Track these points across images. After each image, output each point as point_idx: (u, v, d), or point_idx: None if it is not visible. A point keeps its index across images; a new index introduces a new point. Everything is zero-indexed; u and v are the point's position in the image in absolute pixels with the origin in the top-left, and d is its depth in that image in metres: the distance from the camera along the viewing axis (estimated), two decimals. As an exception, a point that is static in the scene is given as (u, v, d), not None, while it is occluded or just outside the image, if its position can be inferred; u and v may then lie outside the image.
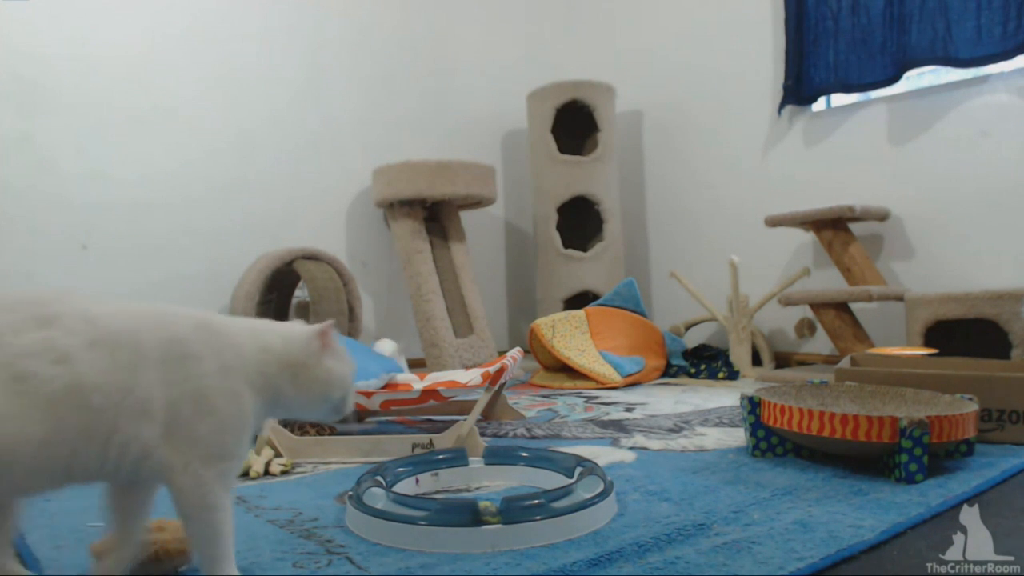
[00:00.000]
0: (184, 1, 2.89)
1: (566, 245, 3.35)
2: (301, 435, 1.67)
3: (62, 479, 0.74)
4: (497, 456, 1.37)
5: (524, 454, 1.36)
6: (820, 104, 3.05)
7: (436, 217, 3.22)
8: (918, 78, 2.78)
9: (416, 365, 3.07)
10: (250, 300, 2.68)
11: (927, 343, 2.31)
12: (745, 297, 2.91)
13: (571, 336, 2.82)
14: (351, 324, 2.86)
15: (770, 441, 1.50)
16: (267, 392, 0.84)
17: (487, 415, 2.02)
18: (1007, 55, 2.45)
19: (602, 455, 1.54)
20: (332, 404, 0.89)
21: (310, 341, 0.87)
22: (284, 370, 0.85)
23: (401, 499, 1.08)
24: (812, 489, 1.25)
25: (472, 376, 1.96)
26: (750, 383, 2.62)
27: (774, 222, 2.83)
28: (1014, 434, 1.53)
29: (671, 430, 1.81)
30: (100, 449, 0.74)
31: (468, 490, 1.33)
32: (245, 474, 1.49)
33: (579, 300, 3.31)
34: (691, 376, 2.86)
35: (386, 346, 2.52)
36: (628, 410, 2.13)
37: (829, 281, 2.90)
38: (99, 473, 0.76)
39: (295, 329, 0.89)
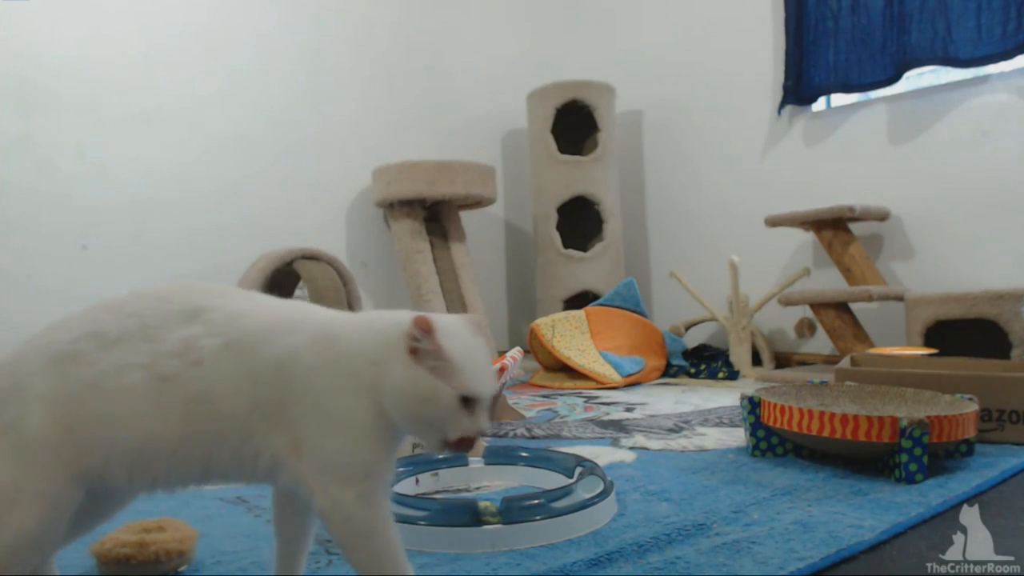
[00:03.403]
0: (184, 1, 2.89)
1: (566, 245, 3.35)
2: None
3: (200, 478, 0.74)
4: (497, 456, 1.37)
5: (524, 454, 1.36)
6: (820, 104, 3.05)
7: (436, 217, 3.22)
8: (918, 78, 2.78)
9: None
10: (250, 300, 2.68)
11: (927, 343, 2.31)
12: (745, 297, 2.91)
13: (571, 336, 2.82)
14: (351, 324, 2.85)
15: (770, 441, 1.50)
16: (378, 399, 0.72)
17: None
18: (1007, 55, 2.45)
19: (602, 455, 1.54)
20: (430, 427, 0.71)
21: (398, 337, 0.72)
22: (377, 370, 0.72)
23: (401, 499, 1.08)
24: (812, 489, 1.25)
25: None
26: (750, 383, 2.62)
27: (774, 222, 2.83)
28: (1014, 434, 1.53)
29: (671, 430, 1.81)
30: (233, 455, 0.72)
31: (468, 490, 1.33)
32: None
33: (579, 300, 3.31)
34: (691, 376, 2.86)
35: None
36: (628, 410, 2.13)
37: (829, 281, 2.89)
38: (238, 476, 0.74)
39: (396, 318, 0.74)
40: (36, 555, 0.70)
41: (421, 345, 0.70)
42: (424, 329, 0.70)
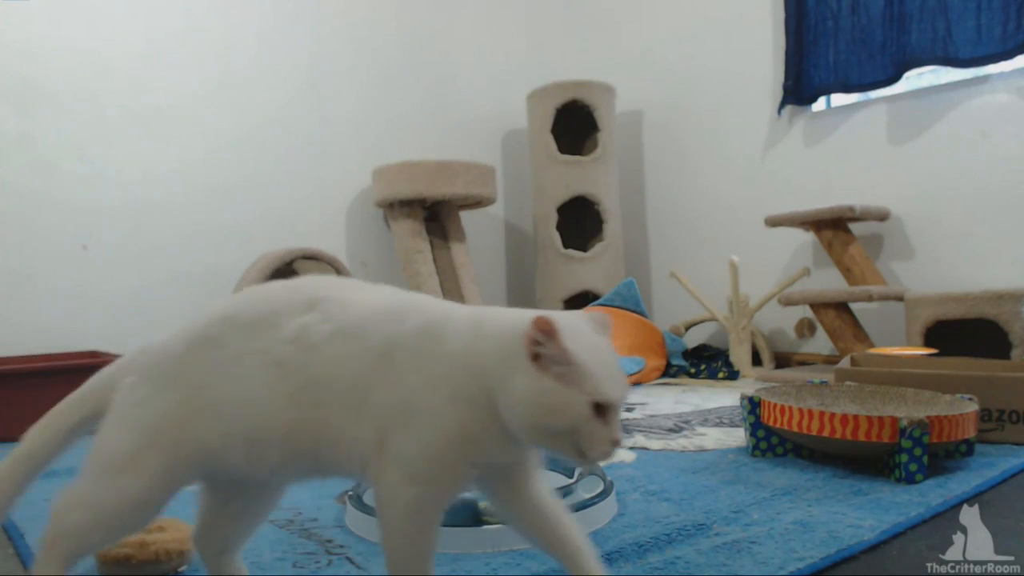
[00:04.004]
0: (184, 1, 2.89)
1: (566, 245, 3.35)
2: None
3: (313, 469, 0.74)
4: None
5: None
6: (820, 104, 3.05)
7: (436, 217, 3.22)
8: (918, 78, 2.78)
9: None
10: (250, 300, 2.68)
11: (927, 343, 2.31)
12: (745, 297, 2.91)
13: (571, 336, 2.82)
14: (351, 324, 2.86)
15: (770, 441, 1.50)
16: (487, 409, 0.67)
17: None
18: (1007, 55, 2.45)
19: (602, 455, 1.54)
20: (561, 439, 0.65)
21: (516, 342, 0.66)
22: (489, 380, 0.67)
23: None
24: (812, 489, 1.25)
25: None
26: (750, 383, 2.62)
27: (774, 222, 2.83)
28: (1014, 434, 1.53)
29: (671, 430, 1.81)
30: (336, 445, 0.71)
31: (468, 490, 1.32)
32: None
33: (579, 300, 3.30)
34: (691, 376, 2.86)
35: None
36: (628, 410, 2.13)
37: (829, 281, 2.89)
38: (345, 468, 0.73)
39: (511, 320, 0.69)
40: (135, 521, 0.76)
41: (544, 350, 0.64)
42: (546, 331, 0.64)
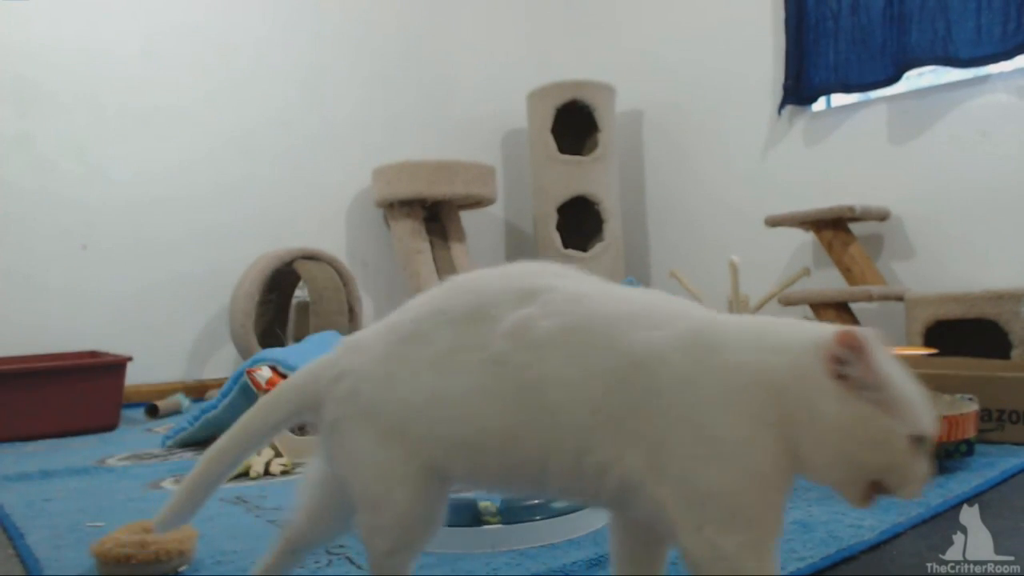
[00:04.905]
0: (184, 1, 2.89)
1: (566, 245, 3.35)
2: (301, 435, 1.67)
3: (538, 485, 0.66)
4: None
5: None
6: (820, 104, 3.05)
7: (436, 217, 3.22)
8: (918, 78, 2.78)
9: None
10: (250, 300, 2.68)
11: (927, 343, 2.31)
12: (745, 297, 2.91)
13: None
14: (351, 324, 2.86)
15: (770, 441, 1.50)
16: (785, 435, 0.57)
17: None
18: (1007, 55, 2.45)
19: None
20: (868, 474, 0.58)
21: (814, 359, 0.57)
22: (787, 402, 0.57)
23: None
24: (812, 489, 1.24)
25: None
26: (750, 383, 2.62)
27: (774, 222, 2.83)
28: (1014, 434, 1.53)
29: (671, 430, 1.80)
30: (572, 464, 0.61)
31: (468, 490, 1.33)
32: (244, 474, 1.49)
33: (579, 300, 3.30)
34: (691, 376, 2.85)
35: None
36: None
37: (829, 281, 2.89)
38: (579, 491, 0.65)
39: (803, 332, 0.59)
40: (423, 531, 0.69)
41: (849, 371, 0.55)
42: (854, 348, 0.55)
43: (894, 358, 0.58)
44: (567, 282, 0.66)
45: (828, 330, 0.57)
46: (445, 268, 3.17)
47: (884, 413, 0.55)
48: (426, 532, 0.70)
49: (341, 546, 1.03)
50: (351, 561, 0.97)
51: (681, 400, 0.58)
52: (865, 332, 0.56)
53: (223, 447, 0.74)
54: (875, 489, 0.58)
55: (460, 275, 0.72)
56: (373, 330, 0.72)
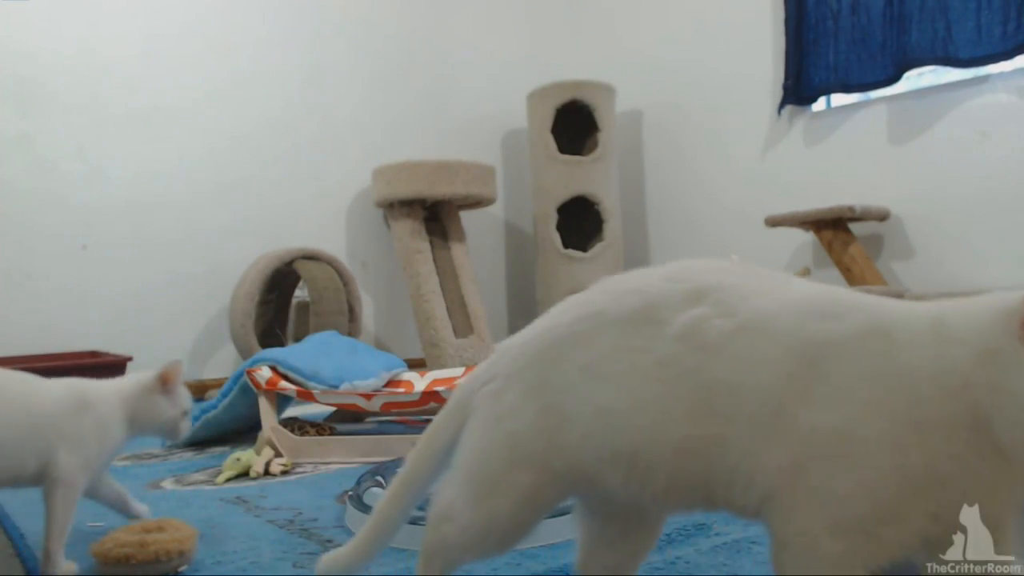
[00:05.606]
0: (184, 1, 2.89)
1: (566, 245, 3.35)
2: (301, 435, 1.67)
3: (702, 500, 0.61)
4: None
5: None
6: (820, 104, 3.05)
7: (436, 217, 3.22)
8: (918, 78, 2.78)
9: (416, 365, 3.07)
10: (250, 300, 2.68)
11: (927, 343, 2.31)
12: (745, 297, 2.91)
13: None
14: (351, 324, 2.86)
15: (770, 441, 1.50)
16: (975, 435, 0.52)
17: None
18: (1007, 55, 2.45)
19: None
20: None
21: (1004, 330, 0.52)
22: (975, 395, 0.52)
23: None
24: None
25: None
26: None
27: (774, 222, 2.83)
28: (1014, 434, 1.53)
29: (671, 430, 1.81)
30: (730, 473, 0.57)
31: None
32: (245, 474, 1.49)
33: (579, 300, 3.30)
34: (691, 376, 2.85)
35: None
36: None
37: (829, 281, 2.88)
38: (735, 504, 0.59)
39: (986, 309, 0.54)
40: (501, 544, 0.68)
41: None
42: None
43: None
44: (737, 279, 0.62)
45: (1013, 297, 0.52)
46: (445, 268, 3.17)
47: None
48: (500, 547, 0.69)
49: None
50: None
51: (842, 394, 0.54)
52: None
53: (409, 475, 0.72)
54: None
55: (615, 277, 0.70)
56: (524, 334, 0.69)
